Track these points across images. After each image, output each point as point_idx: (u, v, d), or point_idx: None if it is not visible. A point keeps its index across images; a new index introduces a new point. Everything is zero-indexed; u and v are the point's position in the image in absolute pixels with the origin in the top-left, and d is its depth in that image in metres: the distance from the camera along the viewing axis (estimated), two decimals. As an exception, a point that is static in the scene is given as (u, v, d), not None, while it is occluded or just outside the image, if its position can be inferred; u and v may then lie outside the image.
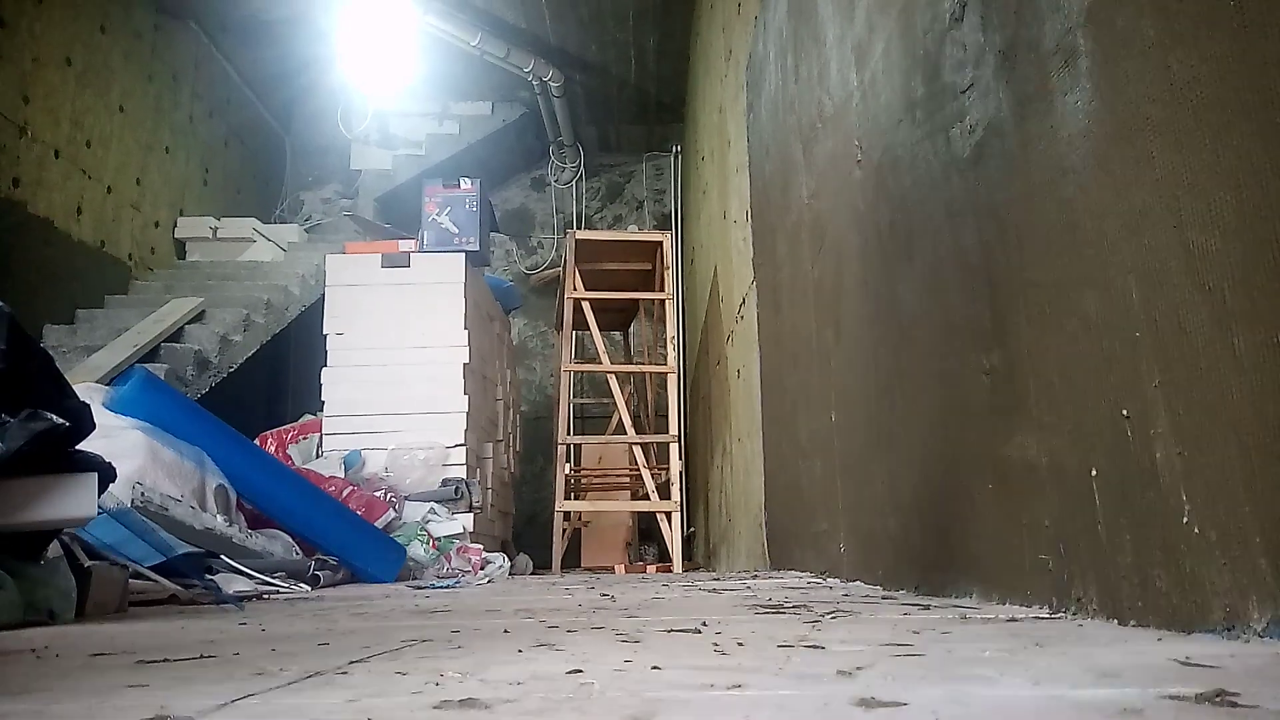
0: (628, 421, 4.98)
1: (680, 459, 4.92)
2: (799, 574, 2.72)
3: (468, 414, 4.53)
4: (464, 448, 4.51)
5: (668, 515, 4.60)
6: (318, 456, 4.74)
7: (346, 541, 3.42)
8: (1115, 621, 1.01)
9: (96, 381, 4.02)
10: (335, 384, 4.61)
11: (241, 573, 2.72)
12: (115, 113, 5.81)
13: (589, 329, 5.01)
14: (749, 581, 2.50)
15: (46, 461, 1.65)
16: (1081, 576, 1.09)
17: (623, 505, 6.08)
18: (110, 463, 1.80)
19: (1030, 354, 1.23)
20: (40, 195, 5.07)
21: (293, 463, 4.65)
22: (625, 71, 7.46)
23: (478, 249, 4.80)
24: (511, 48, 6.83)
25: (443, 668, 0.83)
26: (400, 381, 4.52)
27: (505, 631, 1.21)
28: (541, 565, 5.10)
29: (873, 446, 1.99)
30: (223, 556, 2.80)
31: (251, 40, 7.04)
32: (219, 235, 6.66)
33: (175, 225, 6.57)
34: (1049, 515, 1.17)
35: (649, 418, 6.23)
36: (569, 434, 4.99)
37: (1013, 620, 1.10)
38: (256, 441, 4.62)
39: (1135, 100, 0.97)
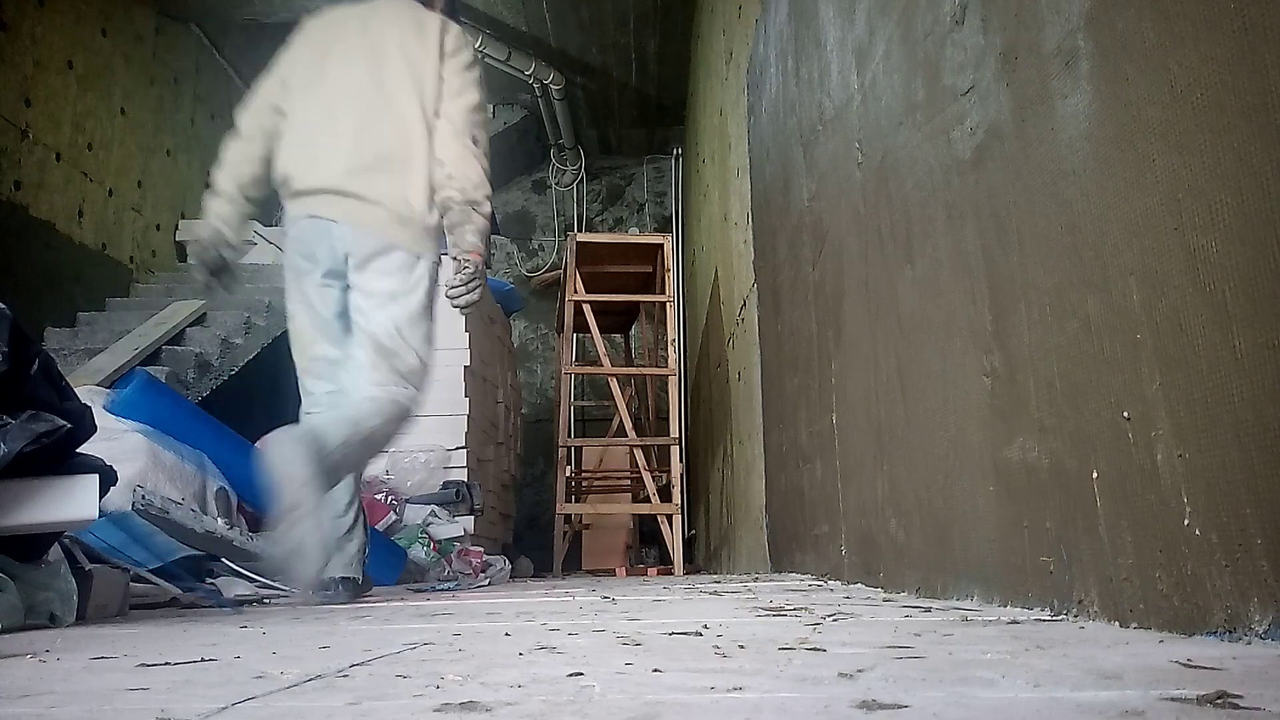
0: (629, 424, 4.99)
1: (681, 461, 4.91)
2: (800, 576, 2.72)
3: (469, 416, 4.53)
4: (465, 450, 4.51)
5: (669, 518, 4.60)
6: (319, 459, 4.72)
7: (347, 544, 3.41)
8: (1117, 623, 1.01)
9: (98, 384, 4.02)
10: (336, 387, 4.59)
11: (243, 576, 2.72)
12: (116, 116, 5.82)
13: (590, 331, 5.01)
14: (750, 584, 2.50)
15: (47, 463, 1.65)
16: (1083, 578, 1.09)
17: (624, 508, 6.08)
18: (111, 465, 1.81)
19: (1031, 356, 1.23)
20: (42, 198, 5.08)
21: (294, 465, 4.65)
22: (626, 74, 7.46)
23: (479, 252, 4.80)
24: (512, 50, 6.84)
25: (444, 670, 0.83)
26: (401, 384, 4.51)
27: (506, 634, 1.21)
28: (542, 568, 5.10)
29: (873, 449, 1.99)
30: (224, 560, 2.80)
31: (253, 43, 7.05)
32: (220, 238, 6.66)
33: (177, 228, 6.57)
34: (1050, 517, 1.17)
35: (650, 420, 6.23)
36: (570, 436, 4.99)
37: (1014, 622, 1.10)
38: (258, 445, 4.61)
39: (1136, 103, 0.98)
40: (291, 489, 2.07)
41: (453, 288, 2.47)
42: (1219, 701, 0.57)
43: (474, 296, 2.50)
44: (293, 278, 2.58)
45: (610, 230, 8.19)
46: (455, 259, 2.47)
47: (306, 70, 2.60)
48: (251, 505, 3.62)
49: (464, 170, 2.46)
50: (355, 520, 2.54)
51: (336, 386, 2.52)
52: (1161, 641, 0.87)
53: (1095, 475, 1.06)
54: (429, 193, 2.46)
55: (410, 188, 2.45)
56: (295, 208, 2.52)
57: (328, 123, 2.50)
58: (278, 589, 2.74)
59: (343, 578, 2.49)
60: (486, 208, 2.50)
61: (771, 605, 1.56)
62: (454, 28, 2.63)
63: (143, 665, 0.96)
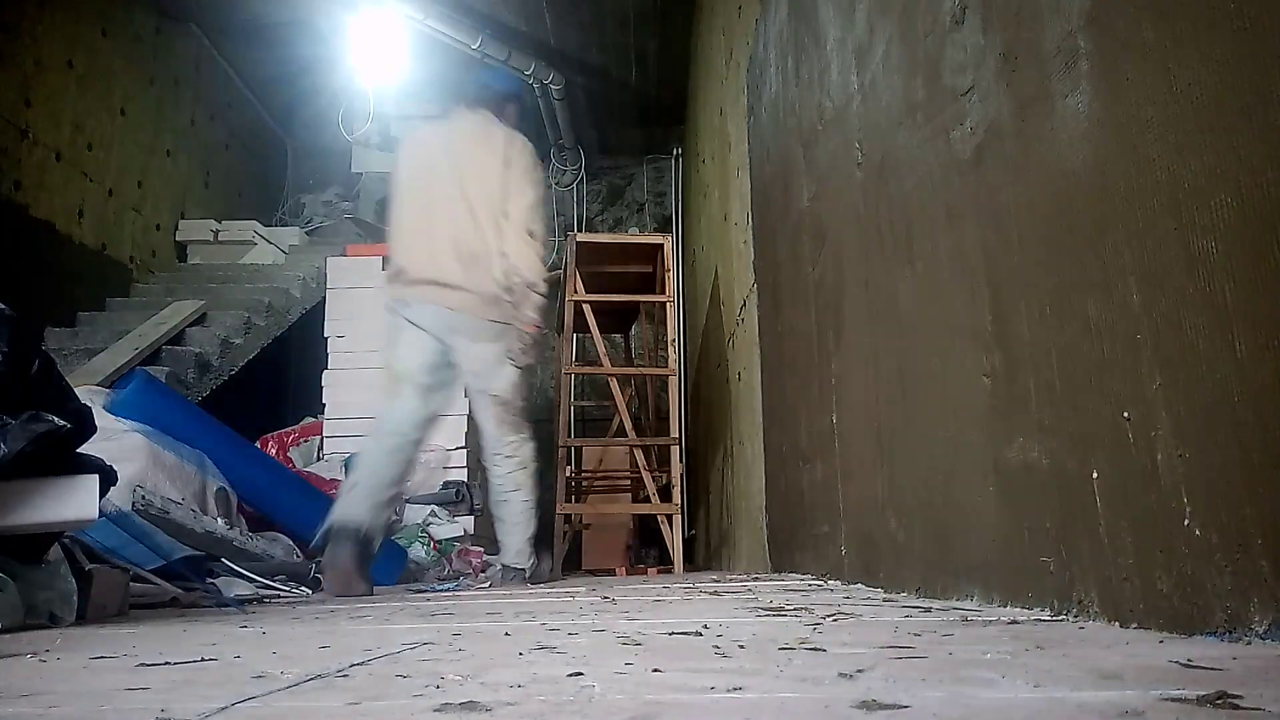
0: (629, 424, 4.98)
1: (681, 462, 4.91)
2: (800, 576, 2.72)
3: (469, 417, 4.53)
4: (465, 450, 4.51)
5: (669, 518, 4.60)
6: (319, 459, 4.74)
7: (347, 544, 3.41)
8: (1117, 624, 1.01)
9: (98, 384, 4.02)
10: (336, 386, 4.61)
11: (242, 576, 2.72)
12: (116, 116, 5.82)
13: (590, 331, 5.00)
14: (750, 584, 2.50)
15: (48, 464, 1.65)
16: (1083, 579, 1.09)
17: (624, 508, 6.07)
18: (111, 465, 1.81)
19: (1031, 356, 1.23)
20: (42, 198, 5.08)
21: (294, 465, 4.66)
22: (626, 74, 7.46)
23: (479, 252, 4.81)
24: (513, 51, 6.83)
25: (443, 670, 0.83)
26: (401, 384, 4.51)
27: (506, 634, 1.21)
28: (542, 568, 5.09)
29: (873, 449, 1.99)
30: (223, 559, 2.80)
31: (252, 43, 7.05)
32: (220, 238, 6.67)
33: (176, 228, 6.57)
34: (1050, 517, 1.17)
35: (650, 420, 6.22)
36: (570, 436, 4.99)
37: (1014, 622, 1.10)
38: (257, 444, 4.61)
39: (1136, 102, 0.98)
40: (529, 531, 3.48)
41: (514, 353, 3.22)
42: (1219, 701, 0.57)
43: (532, 359, 3.30)
44: (402, 324, 3.15)
45: (610, 230, 8.19)
46: (518, 328, 3.21)
47: (409, 185, 3.29)
48: (251, 504, 3.62)
49: (524, 260, 3.18)
50: (396, 496, 3.09)
51: (404, 411, 3.10)
52: (1161, 641, 0.87)
53: (1095, 475, 1.06)
54: (505, 278, 3.16)
55: (493, 276, 3.15)
56: (409, 291, 3.14)
57: (429, 228, 3.18)
58: (277, 589, 2.74)
59: (356, 527, 2.85)
60: (542, 287, 3.22)
61: (771, 605, 1.56)
62: (517, 140, 3.30)
63: (143, 665, 0.96)
